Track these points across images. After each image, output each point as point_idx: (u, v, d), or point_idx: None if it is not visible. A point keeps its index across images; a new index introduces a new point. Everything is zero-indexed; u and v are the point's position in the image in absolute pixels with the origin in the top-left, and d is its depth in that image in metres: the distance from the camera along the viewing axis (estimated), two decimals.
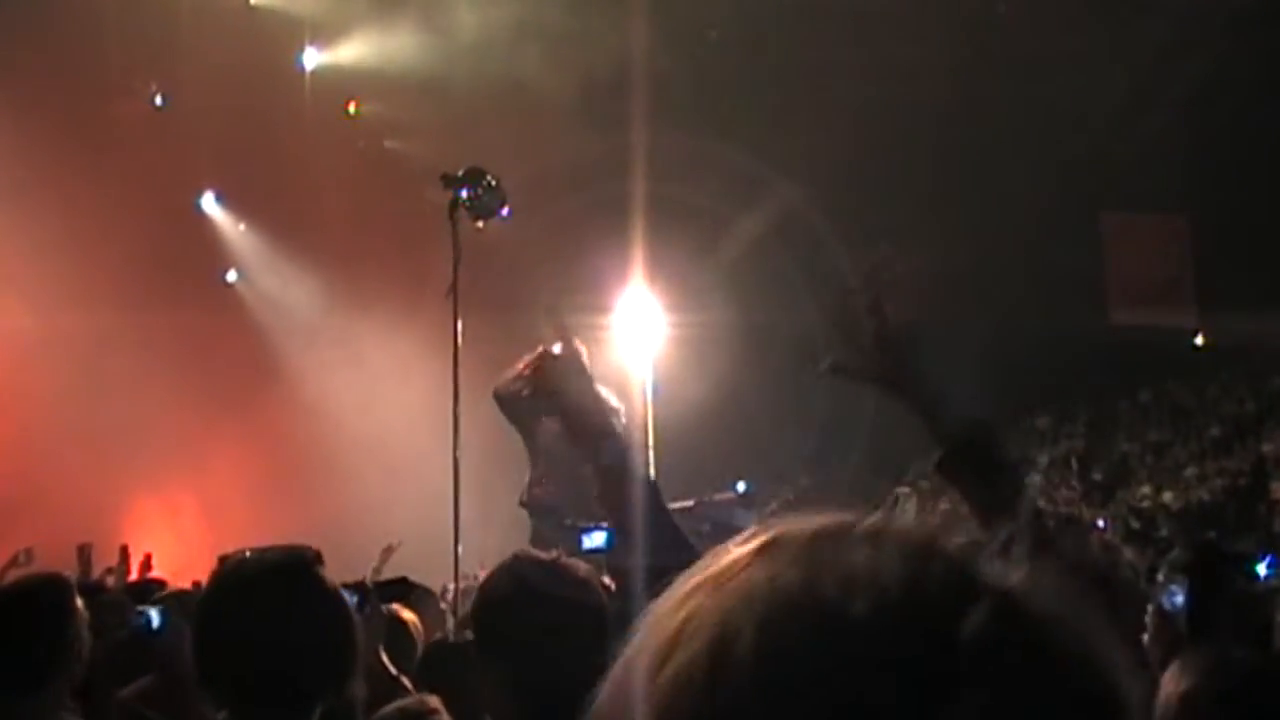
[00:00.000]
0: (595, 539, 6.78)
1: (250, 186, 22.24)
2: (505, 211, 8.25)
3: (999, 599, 0.71)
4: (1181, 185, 25.93)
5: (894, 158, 24.26)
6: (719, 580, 0.75)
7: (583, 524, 7.19)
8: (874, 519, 0.80)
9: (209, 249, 23.00)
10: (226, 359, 21.41)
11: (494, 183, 8.21)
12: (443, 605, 7.21)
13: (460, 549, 7.51)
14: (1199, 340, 30.46)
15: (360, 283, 21.06)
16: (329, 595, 2.93)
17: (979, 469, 2.54)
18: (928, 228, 25.16)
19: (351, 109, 23.25)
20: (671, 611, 0.75)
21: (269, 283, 23.02)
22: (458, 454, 7.39)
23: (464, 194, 7.97)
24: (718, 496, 9.99)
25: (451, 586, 8.91)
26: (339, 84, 22.91)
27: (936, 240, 25.49)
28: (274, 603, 2.83)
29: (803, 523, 0.79)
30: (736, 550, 0.79)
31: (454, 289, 7.67)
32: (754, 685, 0.67)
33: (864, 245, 23.65)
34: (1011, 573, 0.74)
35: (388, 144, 23.34)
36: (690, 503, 9.57)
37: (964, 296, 26.52)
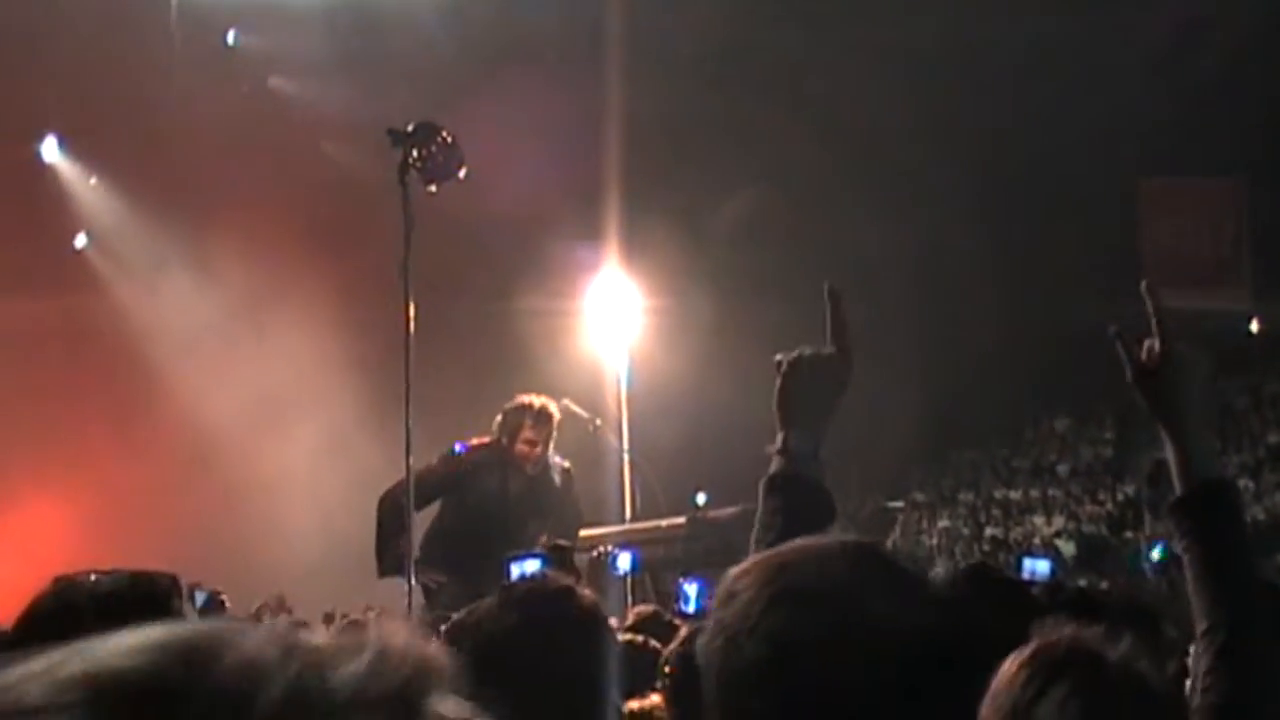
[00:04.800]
0: (529, 566, 7.21)
1: (103, 131, 22.23)
2: (463, 173, 8.55)
3: None
4: (1234, 145, 26.41)
5: (899, 123, 24.89)
6: None
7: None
8: None
9: (52, 207, 23.03)
10: (77, 344, 21.54)
11: (450, 140, 8.48)
12: None
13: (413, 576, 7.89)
14: (1254, 327, 31.02)
15: (250, 255, 21.15)
16: None
17: (1224, 518, 2.82)
18: (934, 202, 25.84)
19: (230, 39, 23.30)
20: None
21: (131, 252, 23.06)
22: (410, 462, 7.74)
23: (415, 153, 8.26)
24: (713, 513, 10.41)
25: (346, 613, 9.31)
26: (213, 9, 22.94)
27: (945, 216, 26.17)
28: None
29: None
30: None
31: (405, 265, 7.94)
32: None
33: (863, 227, 24.44)
34: None
35: (273, 83, 23.43)
36: (681, 520, 10.02)
37: (976, 279, 27.16)
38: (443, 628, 4.96)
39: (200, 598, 10.07)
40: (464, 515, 9.08)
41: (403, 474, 8.00)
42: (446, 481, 9.13)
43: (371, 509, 9.05)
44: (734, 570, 1.87)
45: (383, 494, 9.00)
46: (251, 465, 21.10)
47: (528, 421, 9.25)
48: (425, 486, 8.66)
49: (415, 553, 8.40)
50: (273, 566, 18.61)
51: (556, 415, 9.41)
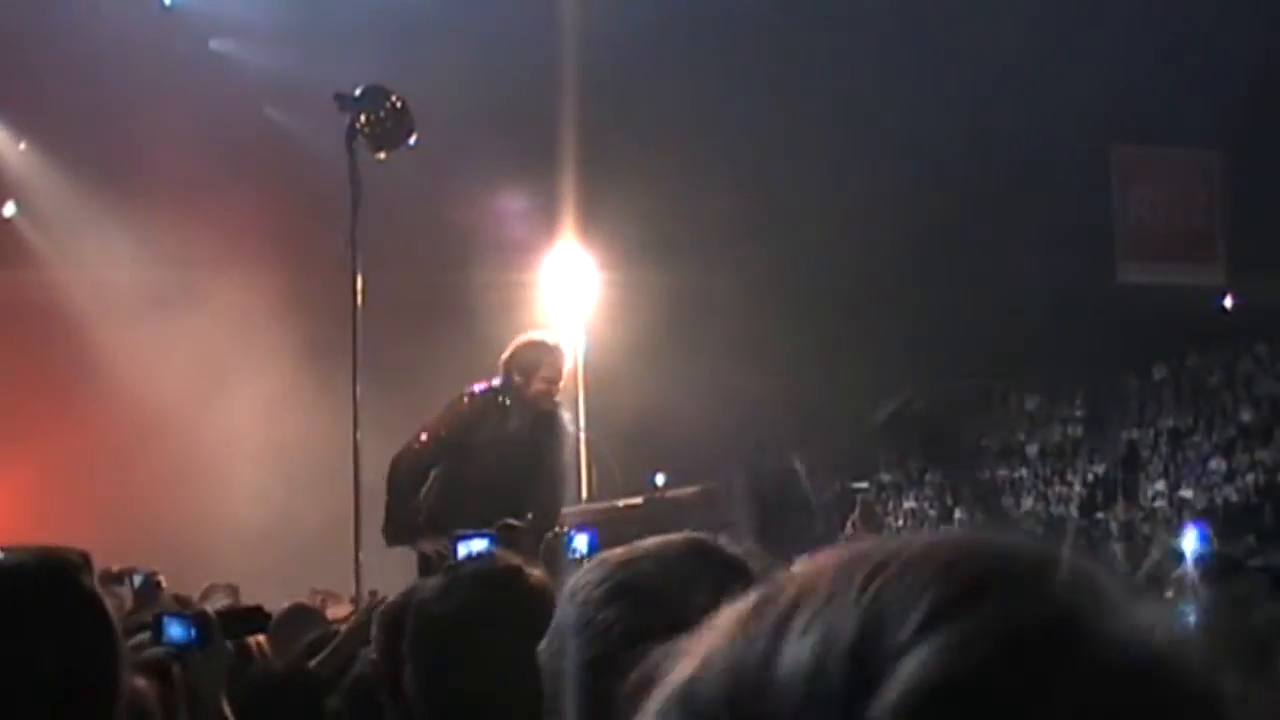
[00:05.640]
0: (476, 545, 7.26)
1: (32, 93, 22.12)
2: (413, 140, 8.51)
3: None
4: (1211, 114, 26.55)
5: (864, 86, 24.99)
6: None
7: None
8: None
9: None
10: (6, 316, 21.46)
11: (400, 104, 8.45)
12: None
13: (360, 557, 7.86)
14: (1228, 303, 31.23)
15: (190, 225, 21.08)
16: (87, 612, 2.86)
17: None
18: (897, 171, 25.92)
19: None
20: None
21: (64, 221, 22.94)
22: (358, 437, 7.70)
23: (363, 118, 8.21)
24: (672, 493, 10.41)
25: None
26: None
27: (909, 185, 26.26)
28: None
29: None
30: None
31: (353, 237, 7.90)
32: None
33: (829, 197, 24.52)
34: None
35: (214, 45, 23.34)
36: (638, 500, 10.03)
37: (941, 248, 27.27)
38: (379, 610, 4.98)
39: (138, 580, 10.05)
40: (466, 472, 8.89)
41: (364, 444, 7.94)
42: (456, 433, 8.89)
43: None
44: (578, 572, 1.95)
45: (395, 456, 8.86)
46: (191, 439, 21.09)
47: (546, 358, 8.97)
48: (436, 442, 8.59)
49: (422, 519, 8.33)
50: (212, 545, 18.63)
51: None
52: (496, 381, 8.79)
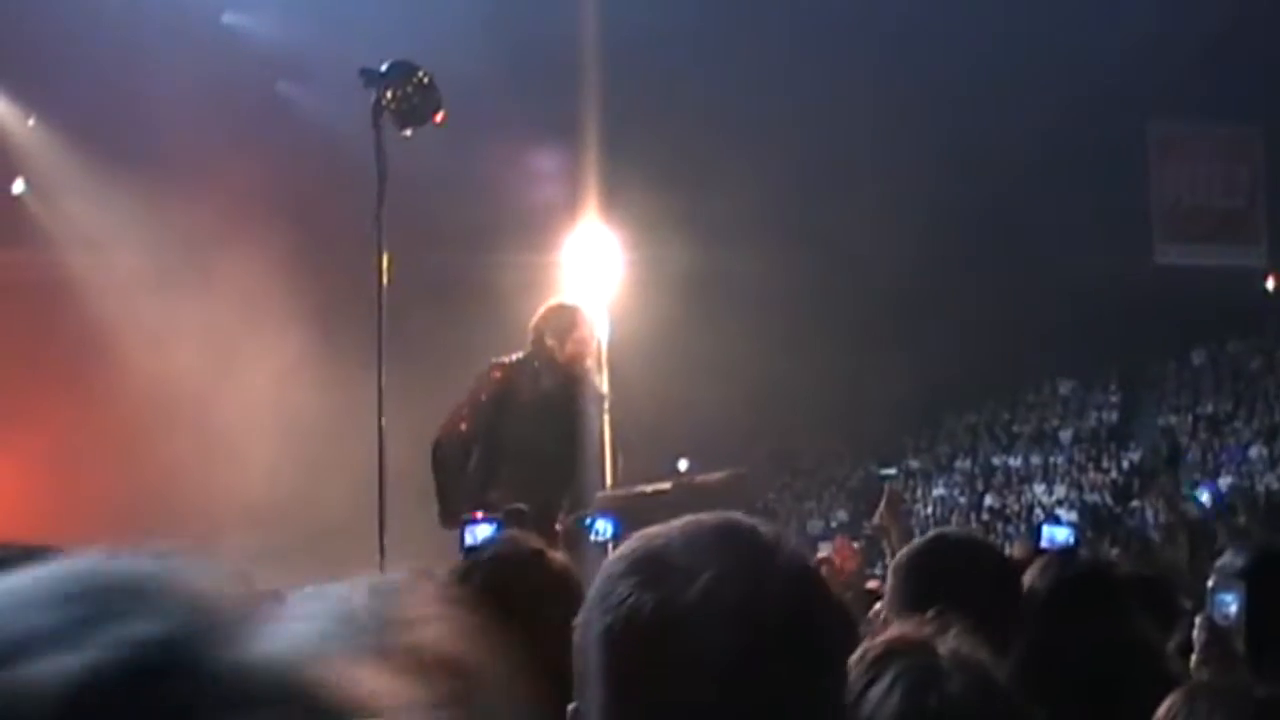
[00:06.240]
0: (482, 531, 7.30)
1: (41, 68, 22.16)
2: (440, 118, 8.49)
3: None
4: (1252, 89, 26.41)
5: (891, 60, 24.97)
6: None
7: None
8: None
9: None
10: (15, 295, 21.52)
11: (426, 80, 8.42)
12: None
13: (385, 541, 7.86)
14: (1270, 286, 31.11)
15: (205, 202, 21.13)
16: None
17: None
18: (928, 153, 25.86)
19: None
20: None
21: (73, 199, 22.99)
22: (383, 423, 7.69)
23: (389, 94, 8.18)
24: (700, 478, 10.39)
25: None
26: None
27: (940, 167, 26.20)
28: None
29: None
30: None
31: (379, 216, 7.88)
32: None
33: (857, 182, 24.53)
34: None
35: (227, 19, 23.40)
36: (665, 485, 10.02)
37: (973, 231, 27.20)
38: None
39: None
40: (506, 441, 8.86)
41: (392, 425, 7.92)
42: (493, 402, 8.86)
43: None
44: (613, 554, 1.99)
45: (435, 438, 8.79)
46: (203, 419, 21.15)
47: (579, 319, 8.85)
48: (476, 413, 8.59)
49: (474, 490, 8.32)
50: (226, 528, 18.70)
51: None
52: (523, 352, 8.79)
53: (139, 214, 22.06)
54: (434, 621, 1.68)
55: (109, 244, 22.40)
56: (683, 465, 17.73)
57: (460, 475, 8.54)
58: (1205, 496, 8.47)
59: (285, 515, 18.93)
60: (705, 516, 1.95)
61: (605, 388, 8.92)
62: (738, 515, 2.00)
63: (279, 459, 19.93)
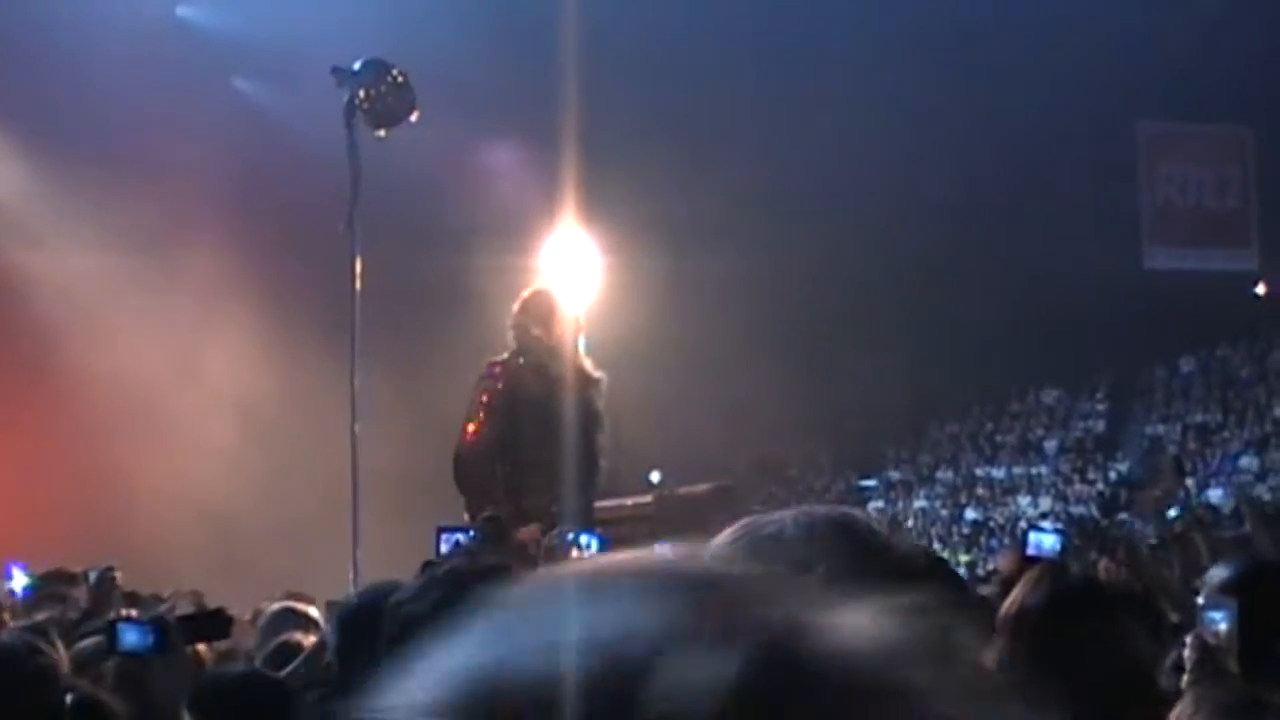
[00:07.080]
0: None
1: None
2: (414, 117, 8.46)
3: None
4: (1243, 88, 26.47)
5: (873, 61, 25.03)
6: None
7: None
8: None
9: None
10: None
11: (401, 79, 8.41)
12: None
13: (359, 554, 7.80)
14: (1260, 289, 31.21)
15: (156, 200, 21.04)
16: None
17: None
18: (912, 153, 25.90)
19: None
20: None
21: (29, 203, 22.86)
22: (356, 429, 7.65)
23: (363, 93, 8.14)
24: (683, 490, 10.38)
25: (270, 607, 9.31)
26: None
27: (923, 170, 26.24)
28: None
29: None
30: None
31: (351, 219, 7.84)
32: None
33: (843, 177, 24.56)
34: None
35: (181, 12, 23.33)
36: (648, 498, 10.00)
37: (955, 235, 27.22)
38: (336, 611, 4.94)
39: (93, 576, 10.06)
40: (518, 440, 8.84)
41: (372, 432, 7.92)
42: (502, 403, 8.84)
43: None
44: (717, 540, 1.97)
45: (454, 454, 8.78)
46: (165, 425, 21.10)
47: (558, 302, 8.96)
48: (490, 418, 8.58)
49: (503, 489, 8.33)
50: (185, 539, 18.67)
51: None
52: (512, 349, 8.75)
53: (96, 217, 21.97)
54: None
55: (64, 249, 22.31)
56: (655, 477, 17.75)
57: (489, 484, 8.50)
58: (1173, 511, 8.53)
59: (249, 516, 18.94)
60: (818, 509, 1.94)
61: (597, 372, 8.86)
62: (854, 512, 1.99)
63: (241, 460, 19.92)
